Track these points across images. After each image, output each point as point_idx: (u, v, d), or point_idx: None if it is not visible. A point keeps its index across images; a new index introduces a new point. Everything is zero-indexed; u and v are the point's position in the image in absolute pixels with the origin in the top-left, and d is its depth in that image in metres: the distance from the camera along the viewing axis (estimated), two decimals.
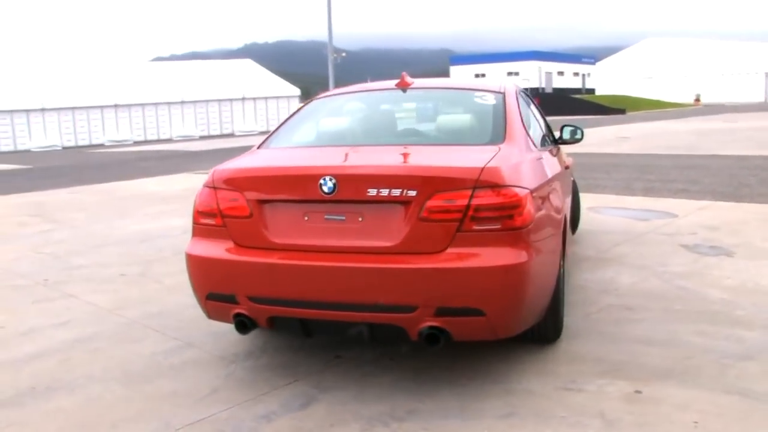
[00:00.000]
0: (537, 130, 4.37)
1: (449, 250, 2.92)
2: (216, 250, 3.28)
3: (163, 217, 8.80)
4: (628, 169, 12.28)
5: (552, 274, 3.38)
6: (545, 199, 3.37)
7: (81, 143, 34.01)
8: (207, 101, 38.43)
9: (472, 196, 2.92)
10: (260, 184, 3.22)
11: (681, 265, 5.37)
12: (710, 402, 3.00)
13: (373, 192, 2.97)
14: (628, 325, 4.03)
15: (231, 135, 37.40)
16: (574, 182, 6.25)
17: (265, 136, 4.06)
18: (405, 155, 3.37)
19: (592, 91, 66.27)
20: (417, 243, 2.95)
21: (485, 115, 3.82)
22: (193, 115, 38.02)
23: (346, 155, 3.42)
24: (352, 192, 3.01)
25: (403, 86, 4.18)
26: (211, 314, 3.44)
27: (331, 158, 3.41)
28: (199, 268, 3.35)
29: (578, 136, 5.25)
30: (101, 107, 34.76)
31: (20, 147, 32.26)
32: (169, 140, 35.75)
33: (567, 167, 4.73)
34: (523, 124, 3.80)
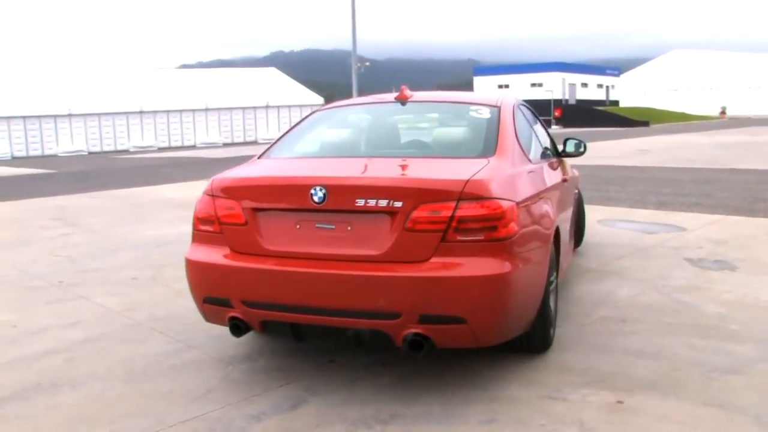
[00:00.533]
0: (535, 143, 4.45)
1: (433, 260, 3.03)
2: (213, 255, 3.42)
3: (178, 223, 9.00)
4: (644, 182, 12.26)
5: (538, 286, 3.45)
6: (534, 211, 3.45)
7: (106, 149, 34.69)
8: (231, 109, 39.01)
9: (456, 208, 3.02)
10: (255, 193, 3.37)
11: (682, 278, 5.40)
12: (689, 414, 3.05)
13: (361, 202, 3.09)
14: (620, 337, 4.08)
15: (254, 142, 37.84)
16: (579, 195, 6.30)
17: (267, 146, 4.21)
18: (394, 167, 3.49)
19: (616, 102, 65.82)
20: (402, 252, 3.06)
21: (478, 128, 3.92)
22: (217, 123, 38.60)
23: (338, 166, 3.55)
24: (341, 202, 3.14)
25: (403, 99, 4.30)
26: (208, 317, 3.57)
27: (324, 169, 3.54)
28: (196, 273, 3.50)
29: (581, 150, 5.32)
30: (127, 113, 35.46)
31: (47, 152, 32.98)
32: (192, 147, 36.29)
33: (565, 180, 4.79)
34: (517, 138, 3.88)
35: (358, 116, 4.56)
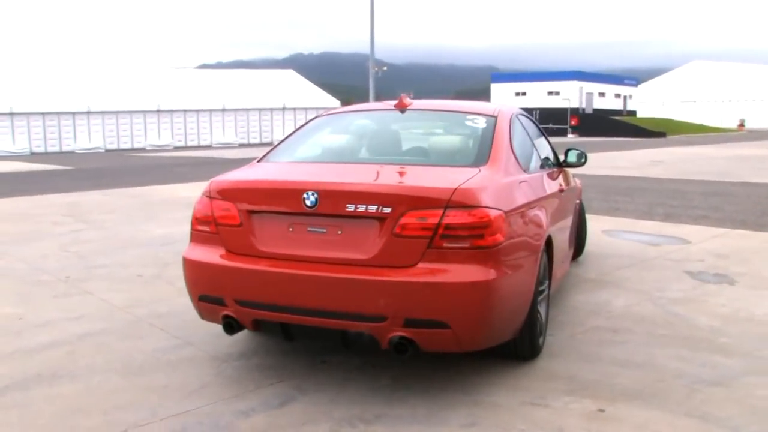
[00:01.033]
0: (532, 153, 4.52)
1: (420, 265, 3.11)
2: (209, 255, 3.53)
3: (187, 222, 9.10)
4: (653, 194, 12.24)
5: (525, 294, 3.52)
6: (524, 220, 3.52)
7: (123, 146, 35.08)
8: (248, 110, 39.31)
9: (443, 215, 3.10)
10: (250, 195, 3.48)
11: (679, 291, 5.43)
12: (669, 424, 3.11)
13: (351, 207, 3.18)
14: (610, 347, 4.13)
15: (270, 144, 38.11)
16: (581, 205, 6.35)
17: (267, 150, 4.33)
18: (385, 174, 3.58)
19: (633, 113, 65.39)
20: (390, 257, 3.15)
21: (473, 137, 4.00)
22: (234, 123, 38.91)
23: (331, 172, 3.65)
24: (332, 206, 3.23)
25: (402, 107, 4.38)
26: (203, 315, 3.68)
27: (317, 174, 3.64)
28: (193, 271, 3.62)
29: (582, 160, 5.39)
30: (144, 112, 35.84)
31: (65, 148, 33.40)
32: (208, 147, 36.61)
33: (562, 190, 4.85)
34: (512, 147, 3.96)
35: (357, 123, 4.66)
